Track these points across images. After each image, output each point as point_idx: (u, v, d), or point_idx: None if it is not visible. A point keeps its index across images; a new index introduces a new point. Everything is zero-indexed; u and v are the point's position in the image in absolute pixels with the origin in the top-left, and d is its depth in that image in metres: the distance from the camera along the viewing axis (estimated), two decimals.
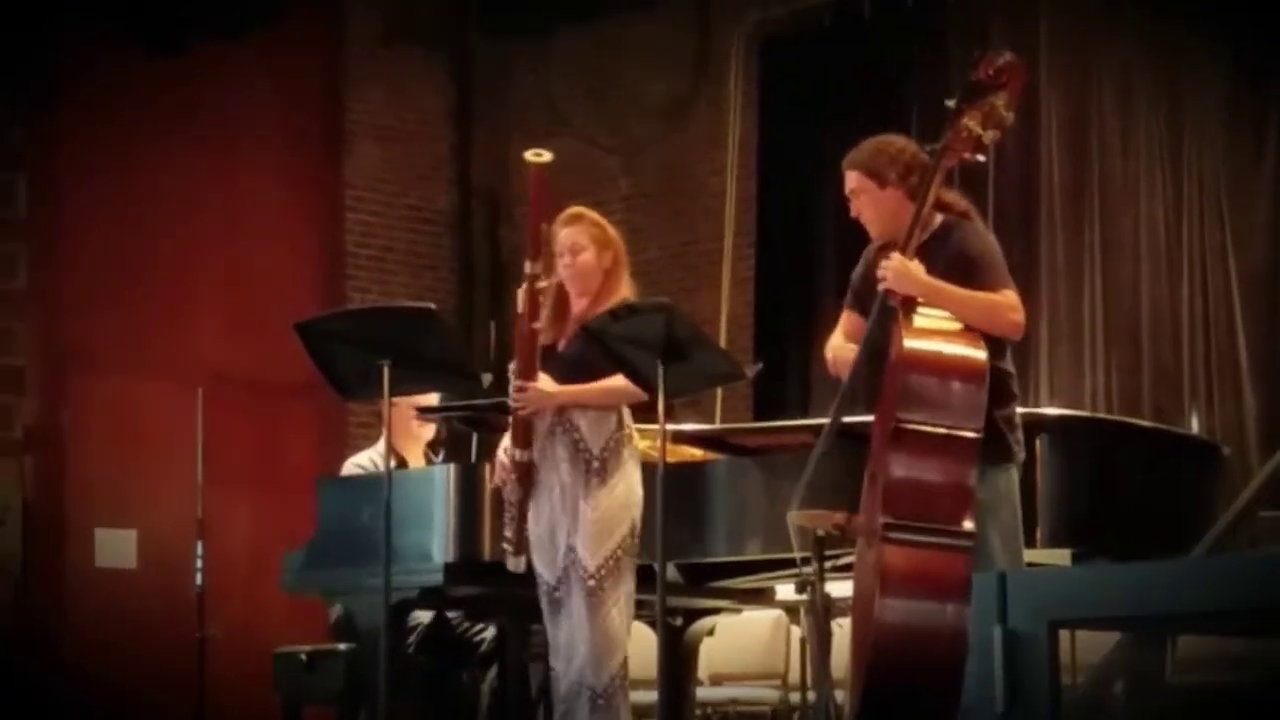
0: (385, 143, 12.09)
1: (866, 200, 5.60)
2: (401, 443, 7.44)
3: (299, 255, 11.64)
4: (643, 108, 12.04)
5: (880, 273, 5.38)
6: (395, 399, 7.11)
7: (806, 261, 11.54)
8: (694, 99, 11.88)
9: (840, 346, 5.64)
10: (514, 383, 6.20)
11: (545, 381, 6.19)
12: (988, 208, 9.93)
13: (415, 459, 7.58)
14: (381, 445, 7.54)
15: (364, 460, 7.63)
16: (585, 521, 6.12)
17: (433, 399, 7.46)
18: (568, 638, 6.15)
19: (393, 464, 6.68)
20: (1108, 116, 10.88)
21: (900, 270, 5.32)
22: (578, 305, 6.32)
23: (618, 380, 6.15)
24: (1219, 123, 10.61)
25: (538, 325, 6.20)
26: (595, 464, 6.16)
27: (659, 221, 11.60)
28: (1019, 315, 5.41)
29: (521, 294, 6.20)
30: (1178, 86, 10.73)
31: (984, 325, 5.34)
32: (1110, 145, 10.89)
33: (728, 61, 11.69)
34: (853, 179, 5.62)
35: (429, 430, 7.64)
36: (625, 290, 6.29)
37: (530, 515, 6.25)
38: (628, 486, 6.19)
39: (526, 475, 6.23)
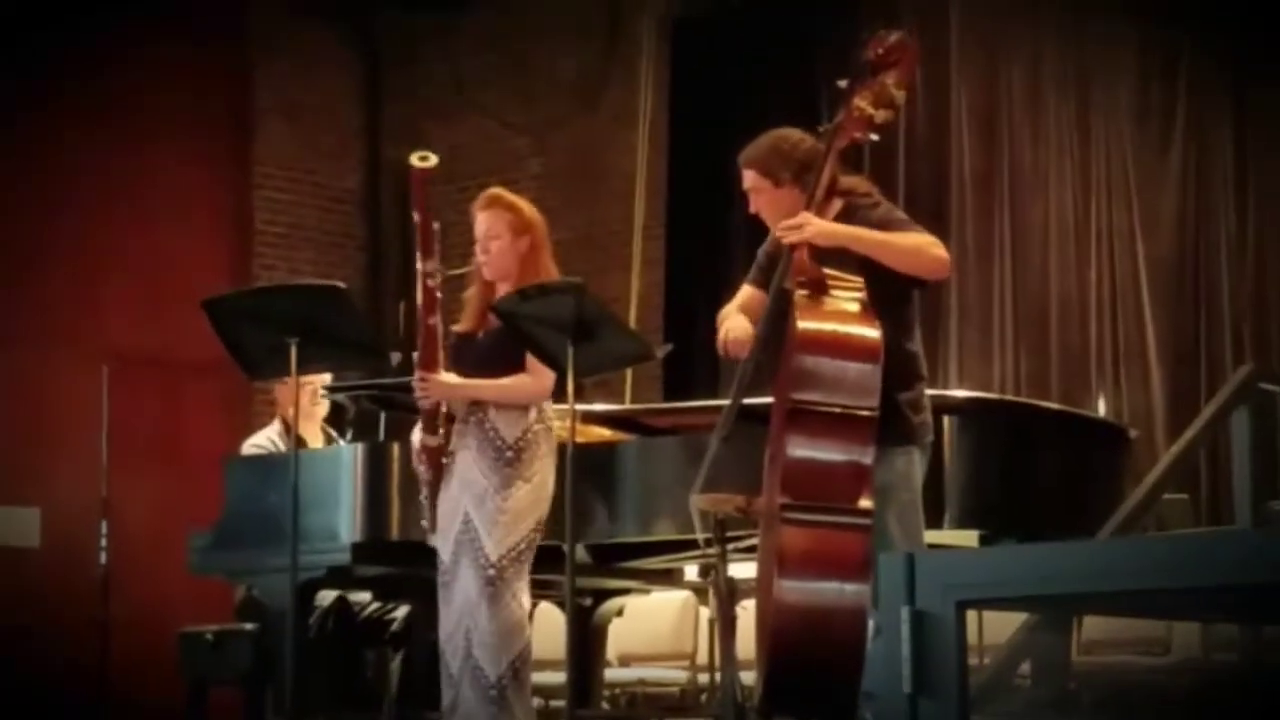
0: (293, 120, 12.00)
1: (763, 199, 5.57)
2: (300, 422, 7.39)
3: (207, 233, 11.56)
4: (553, 87, 11.99)
5: (790, 226, 5.29)
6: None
7: (716, 242, 11.53)
8: (605, 78, 11.85)
9: (732, 318, 5.56)
10: (416, 373, 6.17)
11: (448, 374, 6.16)
12: (899, 194, 9.96)
13: (313, 437, 7.51)
14: (278, 425, 7.50)
15: (262, 440, 7.56)
16: (494, 511, 6.06)
17: (326, 378, 7.41)
18: (455, 623, 6.10)
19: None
20: (1018, 103, 10.93)
21: (814, 221, 5.27)
22: (500, 292, 6.23)
23: (519, 379, 6.11)
24: (1128, 110, 10.69)
25: (433, 321, 6.14)
26: (509, 454, 6.10)
27: (569, 202, 11.56)
28: (942, 250, 5.37)
29: (418, 290, 6.16)
30: (1087, 74, 10.79)
31: (908, 266, 5.30)
32: (1020, 132, 10.94)
33: (639, 40, 11.66)
34: (749, 177, 5.58)
35: (323, 408, 7.59)
36: (546, 274, 6.21)
37: (441, 497, 6.21)
38: (542, 480, 6.13)
39: (435, 459, 6.19)
